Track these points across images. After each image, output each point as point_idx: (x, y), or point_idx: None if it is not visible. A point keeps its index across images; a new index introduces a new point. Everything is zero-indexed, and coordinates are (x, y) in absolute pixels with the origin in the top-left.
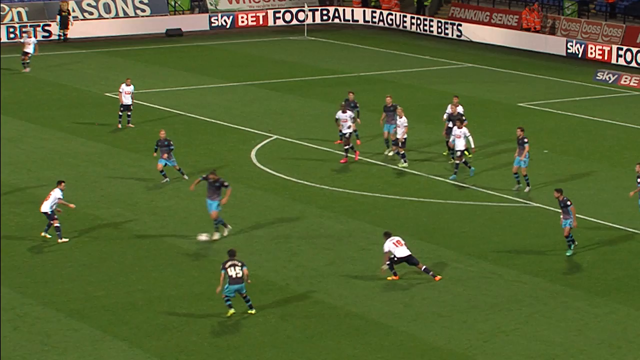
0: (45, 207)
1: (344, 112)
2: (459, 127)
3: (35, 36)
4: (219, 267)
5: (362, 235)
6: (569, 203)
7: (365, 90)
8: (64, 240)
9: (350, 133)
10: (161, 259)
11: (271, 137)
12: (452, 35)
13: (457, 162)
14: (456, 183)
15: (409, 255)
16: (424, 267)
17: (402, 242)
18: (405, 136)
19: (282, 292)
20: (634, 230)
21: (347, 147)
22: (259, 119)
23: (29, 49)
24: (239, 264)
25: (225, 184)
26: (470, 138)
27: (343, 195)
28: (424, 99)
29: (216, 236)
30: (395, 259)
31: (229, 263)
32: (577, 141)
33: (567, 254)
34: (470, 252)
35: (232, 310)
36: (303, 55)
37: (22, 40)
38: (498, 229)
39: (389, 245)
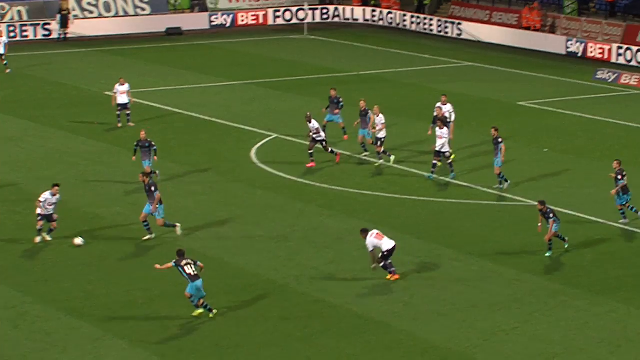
0: (41, 210)
1: (309, 122)
2: (440, 128)
3: (7, 35)
4: (219, 266)
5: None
6: (551, 215)
7: (364, 89)
8: (41, 239)
9: (324, 140)
10: (161, 257)
11: (271, 136)
12: (452, 34)
13: (449, 161)
14: (456, 182)
15: (394, 245)
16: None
17: (382, 234)
18: (384, 134)
19: (282, 291)
20: (634, 229)
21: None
22: (259, 118)
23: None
24: (192, 261)
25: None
26: (447, 141)
27: (343, 194)
28: (424, 97)
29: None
30: (385, 253)
31: (184, 262)
32: (576, 140)
33: (547, 254)
34: (471, 251)
35: (199, 311)
36: (303, 54)
37: None
38: (498, 227)
39: (373, 241)
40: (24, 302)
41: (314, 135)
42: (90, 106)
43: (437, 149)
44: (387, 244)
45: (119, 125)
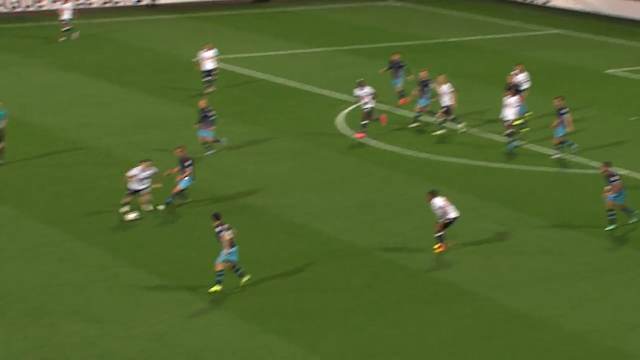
0: (135, 185)
1: (362, 89)
2: (510, 96)
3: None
4: (305, 232)
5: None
6: (617, 177)
7: (449, 57)
8: (130, 216)
9: (370, 108)
10: (248, 223)
11: (357, 103)
12: (539, 1)
13: (510, 130)
14: (542, 151)
15: (457, 217)
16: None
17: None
18: (451, 102)
19: (367, 257)
20: None
21: (364, 122)
22: (345, 85)
23: (66, 15)
24: (227, 225)
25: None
26: (518, 110)
27: (429, 161)
28: (509, 66)
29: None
30: (447, 221)
31: (226, 226)
32: None
33: (608, 228)
34: (556, 220)
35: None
36: (388, 21)
37: (59, 7)
38: (583, 196)
39: (440, 203)
40: (116, 265)
41: (363, 104)
42: (180, 72)
43: (506, 118)
44: (453, 212)
45: (209, 90)
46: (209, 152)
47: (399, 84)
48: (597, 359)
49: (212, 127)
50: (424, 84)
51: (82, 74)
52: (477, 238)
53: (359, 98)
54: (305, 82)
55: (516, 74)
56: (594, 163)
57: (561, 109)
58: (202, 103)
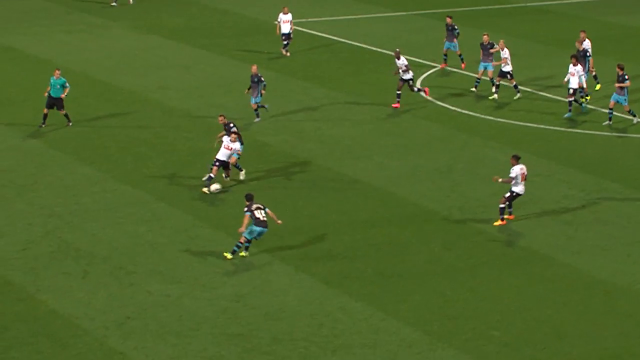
0: (223, 155)
1: (398, 59)
2: (574, 65)
3: None
4: (383, 196)
5: (526, 166)
6: (627, 77)
7: (531, 21)
8: (218, 187)
9: (410, 79)
10: (327, 185)
11: (436, 67)
12: None
13: (570, 99)
14: (625, 117)
15: (521, 194)
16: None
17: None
18: (510, 68)
19: (444, 221)
20: None
21: (399, 91)
22: (425, 49)
23: None
24: (262, 206)
25: (232, 125)
26: (583, 78)
27: (507, 126)
28: (590, 31)
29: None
30: (514, 194)
31: (255, 206)
32: None
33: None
34: (636, 186)
35: (246, 253)
36: None
37: None
38: None
39: (517, 170)
40: (196, 226)
41: (401, 74)
42: (261, 35)
43: (570, 86)
44: (521, 188)
45: (287, 54)
46: (256, 120)
47: (456, 48)
48: None
49: (258, 94)
50: (488, 47)
51: (163, 36)
52: (556, 204)
53: (396, 68)
54: (383, 46)
55: (581, 41)
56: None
57: (622, 76)
58: (254, 68)
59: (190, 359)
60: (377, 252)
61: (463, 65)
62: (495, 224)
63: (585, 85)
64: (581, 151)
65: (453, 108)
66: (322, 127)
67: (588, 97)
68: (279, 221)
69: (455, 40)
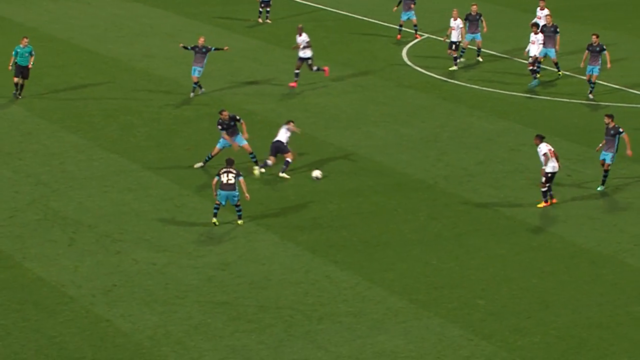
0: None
1: (300, 35)
2: (535, 33)
3: None
4: (369, 165)
5: (511, 135)
6: (621, 130)
7: None
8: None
9: (309, 57)
10: (313, 154)
11: (423, 35)
12: None
13: (532, 68)
14: (613, 85)
15: (556, 171)
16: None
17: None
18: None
19: (431, 190)
20: None
21: (297, 70)
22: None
23: None
24: (234, 172)
25: (238, 117)
26: (554, 52)
27: (493, 95)
28: None
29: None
30: (549, 175)
31: (224, 170)
32: None
33: (598, 189)
34: (621, 155)
35: (215, 220)
36: None
37: None
38: None
39: (544, 149)
40: (182, 195)
41: (300, 52)
42: (246, 4)
43: (530, 54)
44: (552, 166)
45: (260, 20)
46: (193, 94)
47: (413, 16)
48: None
49: (202, 66)
50: (476, 17)
51: (148, 4)
52: (540, 173)
53: (297, 45)
54: (370, 15)
55: (541, 9)
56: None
57: (598, 45)
58: (201, 40)
59: (176, 327)
60: (363, 221)
61: (417, 35)
62: (539, 205)
63: (557, 60)
64: (566, 120)
65: (438, 77)
66: (308, 95)
67: (560, 73)
68: (247, 195)
69: (411, 8)
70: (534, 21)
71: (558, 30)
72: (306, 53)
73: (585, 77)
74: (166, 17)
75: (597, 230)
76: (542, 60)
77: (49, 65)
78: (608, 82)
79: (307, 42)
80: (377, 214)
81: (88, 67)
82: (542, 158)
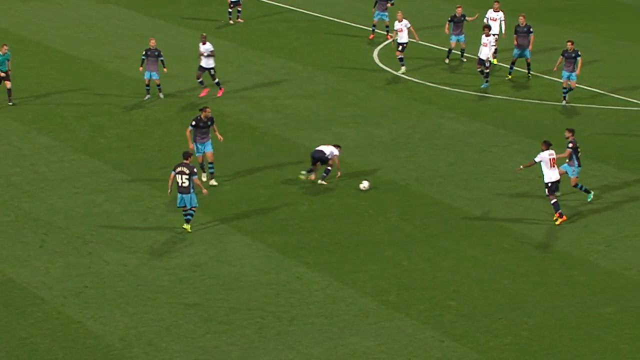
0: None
1: (204, 43)
2: (486, 35)
3: None
4: (340, 166)
5: (482, 136)
6: (578, 147)
7: None
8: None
9: (213, 67)
10: (284, 155)
11: (389, 39)
12: None
13: (486, 70)
14: (582, 86)
15: (559, 180)
16: (554, 200)
17: (555, 161)
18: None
19: (402, 191)
20: None
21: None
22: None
23: None
24: (187, 171)
25: (213, 120)
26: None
27: (464, 96)
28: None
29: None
30: (549, 184)
31: (179, 168)
32: None
33: (588, 199)
34: (593, 156)
35: (187, 226)
36: None
37: None
38: (623, 133)
39: (545, 156)
40: (152, 196)
41: (203, 60)
42: (217, 4)
43: (481, 56)
44: (552, 174)
45: (231, 22)
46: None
47: (387, 17)
48: (634, 294)
49: (157, 69)
50: (457, 20)
51: (120, 5)
52: (513, 174)
53: (200, 53)
54: (341, 16)
55: (495, 10)
56: (635, 100)
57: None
58: (152, 42)
59: (148, 328)
60: (334, 222)
61: (388, 36)
62: (557, 223)
63: (530, 61)
64: (537, 121)
65: (409, 78)
66: (279, 97)
67: (530, 75)
68: (205, 190)
69: (386, 9)
70: (486, 23)
71: (532, 30)
72: (209, 63)
73: (562, 81)
74: (137, 19)
75: (568, 232)
76: (515, 60)
77: (20, 67)
78: (579, 84)
79: (211, 52)
80: (348, 215)
81: (59, 68)
82: (535, 160)
